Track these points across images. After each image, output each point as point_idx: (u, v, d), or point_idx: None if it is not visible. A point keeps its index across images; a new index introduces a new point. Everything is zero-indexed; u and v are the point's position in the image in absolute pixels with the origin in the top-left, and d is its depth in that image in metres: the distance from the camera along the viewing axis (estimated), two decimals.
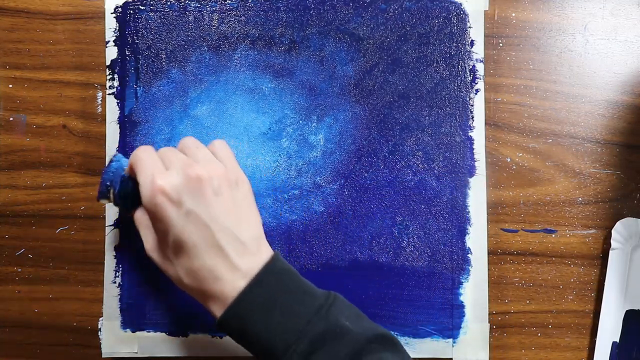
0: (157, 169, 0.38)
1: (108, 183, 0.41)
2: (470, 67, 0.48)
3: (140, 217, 0.40)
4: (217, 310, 0.37)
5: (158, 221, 0.37)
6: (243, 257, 0.37)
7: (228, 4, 0.48)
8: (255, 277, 0.36)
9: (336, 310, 0.36)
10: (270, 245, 0.47)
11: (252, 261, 0.37)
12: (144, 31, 0.48)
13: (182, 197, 0.36)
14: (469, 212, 0.47)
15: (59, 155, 0.48)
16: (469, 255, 0.47)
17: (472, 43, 0.48)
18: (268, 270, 0.36)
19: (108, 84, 0.48)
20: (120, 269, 0.47)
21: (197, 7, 0.48)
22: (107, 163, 0.43)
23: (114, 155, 0.42)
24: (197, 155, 0.39)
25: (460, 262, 0.47)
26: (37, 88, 0.48)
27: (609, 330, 0.47)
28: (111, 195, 0.41)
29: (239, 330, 0.36)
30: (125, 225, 0.47)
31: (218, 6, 0.48)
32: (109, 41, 0.48)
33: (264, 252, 0.38)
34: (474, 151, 0.47)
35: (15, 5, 0.48)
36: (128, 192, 0.40)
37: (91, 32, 0.48)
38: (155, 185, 0.36)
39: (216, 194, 0.37)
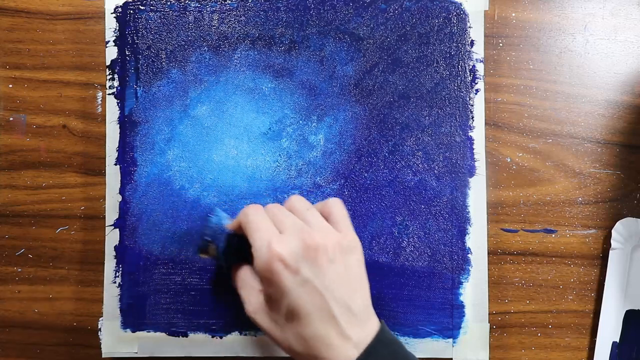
0: (273, 234, 0.37)
1: (209, 238, 0.41)
2: (470, 67, 0.48)
3: (245, 278, 0.40)
4: None
5: (272, 287, 0.37)
6: (354, 327, 0.37)
7: (228, 4, 0.48)
8: (368, 348, 0.36)
9: None
10: None
11: (361, 331, 0.37)
12: (144, 31, 0.48)
13: (299, 265, 0.36)
14: (469, 212, 0.47)
15: (59, 155, 0.48)
16: (469, 255, 0.47)
17: (472, 43, 0.48)
18: (379, 341, 0.36)
19: (108, 84, 0.48)
20: (120, 269, 0.47)
21: (197, 7, 0.48)
22: (205, 217, 0.43)
23: (212, 210, 0.42)
24: (309, 219, 0.39)
25: (460, 262, 0.47)
26: (37, 88, 0.48)
27: (609, 330, 0.47)
28: (213, 251, 0.41)
29: None
30: (126, 225, 0.47)
31: (218, 6, 0.48)
32: (109, 41, 0.48)
33: (372, 321, 0.38)
34: (474, 151, 0.47)
35: (15, 5, 0.48)
36: (233, 250, 0.40)
37: (91, 32, 0.48)
38: (272, 251, 0.36)
39: (331, 262, 0.37)
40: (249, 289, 0.39)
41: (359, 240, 0.40)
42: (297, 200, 0.40)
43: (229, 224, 0.42)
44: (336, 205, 0.40)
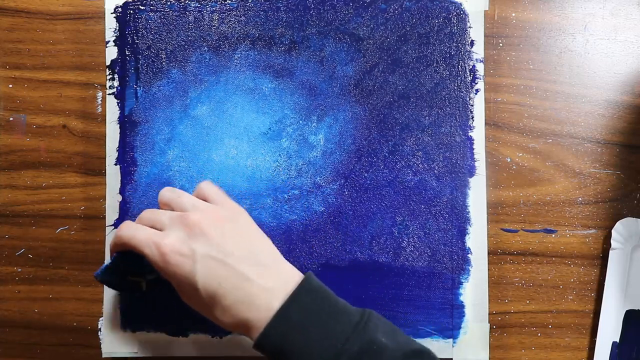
0: (154, 234, 0.38)
1: (107, 278, 0.41)
2: (470, 67, 0.48)
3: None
4: (257, 334, 0.36)
5: (180, 279, 0.37)
6: (270, 278, 0.37)
7: (228, 4, 0.48)
8: (290, 296, 0.36)
9: (372, 326, 0.36)
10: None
11: (279, 280, 0.37)
12: (144, 31, 0.48)
13: (191, 246, 0.37)
14: (469, 212, 0.47)
15: (59, 155, 0.48)
16: (469, 255, 0.47)
17: (472, 43, 0.48)
18: (302, 289, 0.36)
19: (108, 84, 0.48)
20: None
21: (197, 7, 0.48)
22: (102, 282, 0.42)
23: (96, 276, 0.41)
24: (182, 203, 0.39)
25: (460, 262, 0.47)
26: (37, 88, 0.48)
27: (609, 330, 0.47)
28: (141, 281, 0.42)
29: (277, 350, 0.35)
30: None
31: (218, 6, 0.48)
32: (109, 41, 0.48)
33: (288, 271, 0.38)
34: (474, 151, 0.47)
35: (15, 5, 0.48)
36: (124, 268, 0.41)
37: (91, 32, 0.48)
38: (162, 248, 0.37)
39: (222, 233, 0.37)
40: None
41: (241, 207, 0.40)
42: (166, 193, 0.41)
43: (112, 258, 0.41)
44: (207, 186, 0.41)
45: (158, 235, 0.38)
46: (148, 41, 0.48)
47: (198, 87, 0.48)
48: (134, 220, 0.40)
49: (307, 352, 0.35)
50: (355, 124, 0.48)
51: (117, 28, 0.48)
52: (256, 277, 0.37)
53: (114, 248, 0.40)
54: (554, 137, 0.48)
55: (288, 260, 0.47)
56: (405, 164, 0.48)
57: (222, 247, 0.37)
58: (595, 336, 0.47)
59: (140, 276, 0.42)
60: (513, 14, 0.48)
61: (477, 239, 0.47)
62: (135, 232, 0.38)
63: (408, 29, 0.48)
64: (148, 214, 0.40)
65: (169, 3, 0.48)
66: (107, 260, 0.47)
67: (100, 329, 0.48)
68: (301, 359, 0.35)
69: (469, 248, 0.47)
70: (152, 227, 0.39)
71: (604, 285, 0.47)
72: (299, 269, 0.46)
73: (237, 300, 0.36)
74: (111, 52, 0.48)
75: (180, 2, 0.48)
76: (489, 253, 0.47)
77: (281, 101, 0.48)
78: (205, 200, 0.40)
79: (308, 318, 0.35)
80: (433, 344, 0.47)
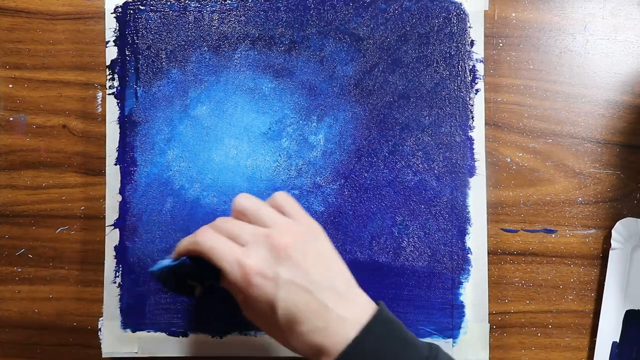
0: (236, 251, 0.36)
1: (184, 284, 0.39)
2: (470, 67, 0.48)
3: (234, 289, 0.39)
4: None
5: (259, 301, 0.36)
6: (346, 307, 0.36)
7: (228, 4, 0.48)
8: (365, 327, 0.36)
9: (441, 356, 0.36)
10: None
11: (354, 309, 0.37)
12: (144, 31, 0.48)
13: (276, 269, 0.36)
14: (469, 212, 0.47)
15: (59, 155, 0.48)
16: (469, 255, 0.47)
17: (472, 43, 0.48)
18: (377, 320, 0.36)
19: (108, 84, 0.48)
20: (120, 269, 0.47)
21: (197, 7, 0.48)
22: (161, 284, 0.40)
23: (153, 273, 0.40)
24: (261, 217, 0.38)
25: (460, 262, 0.47)
26: (37, 88, 0.48)
27: (609, 330, 0.47)
28: (198, 289, 0.39)
29: None
30: (126, 225, 0.47)
31: (218, 6, 0.48)
32: (109, 41, 0.48)
33: (362, 298, 0.38)
34: (474, 151, 0.47)
35: (15, 5, 0.48)
36: (209, 269, 0.38)
37: (91, 32, 0.48)
38: (245, 268, 0.36)
39: (303, 255, 0.36)
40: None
41: (317, 223, 0.39)
42: (243, 201, 0.39)
43: (173, 260, 0.39)
44: (284, 197, 0.40)
45: (239, 252, 0.36)
46: (148, 41, 0.48)
47: (198, 87, 0.48)
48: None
49: None
50: (355, 124, 0.48)
51: (117, 28, 0.48)
52: (334, 305, 0.36)
53: (184, 251, 0.38)
54: (554, 137, 0.48)
55: None
56: (405, 164, 0.48)
57: (306, 274, 0.36)
58: (595, 336, 0.47)
59: (198, 281, 0.40)
60: (513, 14, 0.48)
61: (477, 239, 0.47)
62: (216, 244, 0.37)
63: (408, 29, 0.48)
64: (227, 224, 0.38)
65: (169, 3, 0.48)
66: (107, 260, 0.47)
67: (100, 329, 0.48)
68: None
69: (469, 248, 0.47)
70: (230, 239, 0.37)
71: (604, 285, 0.47)
72: None
73: (315, 328, 0.36)
74: (111, 52, 0.48)
75: (180, 2, 0.48)
76: (489, 253, 0.47)
77: (281, 101, 0.48)
78: (280, 212, 0.39)
79: (381, 349, 0.35)
80: None
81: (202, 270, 0.38)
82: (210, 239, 0.37)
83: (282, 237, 0.36)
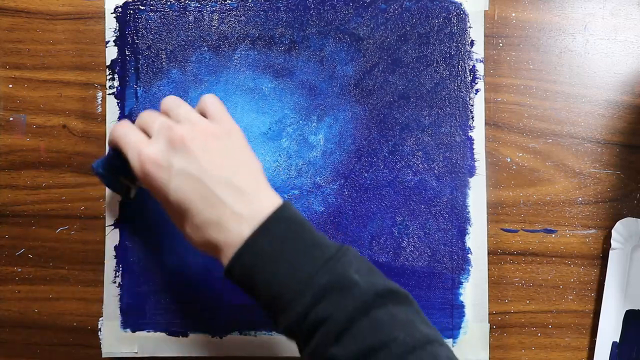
0: (140, 141, 0.38)
1: (111, 179, 0.42)
2: (470, 67, 0.48)
3: None
4: (225, 260, 0.36)
5: (156, 191, 0.37)
6: (244, 204, 0.36)
7: (228, 4, 0.48)
8: (262, 225, 0.35)
9: (346, 262, 0.34)
10: None
11: (255, 208, 0.36)
12: (144, 31, 0.48)
13: (169, 159, 0.36)
14: (469, 212, 0.47)
15: (59, 155, 0.48)
16: (469, 255, 0.47)
17: (472, 43, 0.48)
18: (275, 218, 0.35)
19: (108, 84, 0.48)
20: (120, 269, 0.47)
21: (197, 7, 0.48)
22: (97, 175, 0.42)
23: (92, 168, 0.42)
24: (178, 114, 0.39)
25: (460, 262, 0.47)
26: (37, 88, 0.48)
27: (609, 330, 0.47)
28: (131, 183, 0.42)
29: (245, 279, 0.35)
30: (126, 225, 0.47)
31: (218, 6, 0.48)
32: (109, 41, 0.48)
33: (268, 199, 0.37)
34: (474, 151, 0.47)
35: (15, 5, 0.48)
36: (118, 166, 0.41)
37: (91, 32, 0.48)
38: (142, 156, 0.37)
39: (204, 149, 0.37)
40: None
41: (239, 127, 0.39)
42: (168, 100, 0.40)
43: (107, 153, 0.42)
44: (209, 99, 0.40)
45: (143, 142, 0.37)
46: (148, 41, 0.48)
47: (198, 87, 0.48)
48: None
49: (274, 283, 0.34)
50: (355, 124, 0.48)
51: (117, 28, 0.48)
52: (231, 201, 0.35)
53: (109, 144, 0.40)
54: (554, 137, 0.48)
55: None
56: (405, 164, 0.48)
57: (201, 164, 0.36)
58: (595, 336, 0.47)
59: (132, 182, 0.42)
60: (513, 14, 0.48)
61: (477, 239, 0.47)
62: (126, 134, 0.38)
63: (408, 29, 0.48)
64: (145, 116, 0.39)
65: (169, 3, 0.48)
66: (107, 260, 0.47)
67: (100, 329, 0.48)
68: (268, 290, 0.34)
69: (469, 248, 0.47)
70: (144, 130, 0.39)
71: (604, 285, 0.47)
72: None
73: (208, 221, 0.36)
74: (111, 52, 0.48)
75: (180, 2, 0.48)
76: (489, 253, 0.47)
77: (281, 101, 0.48)
78: (204, 115, 0.39)
79: (278, 248, 0.34)
80: None
81: (124, 160, 0.39)
82: (122, 129, 0.39)
83: (182, 130, 0.37)
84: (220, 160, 0.37)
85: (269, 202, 0.36)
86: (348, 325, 0.32)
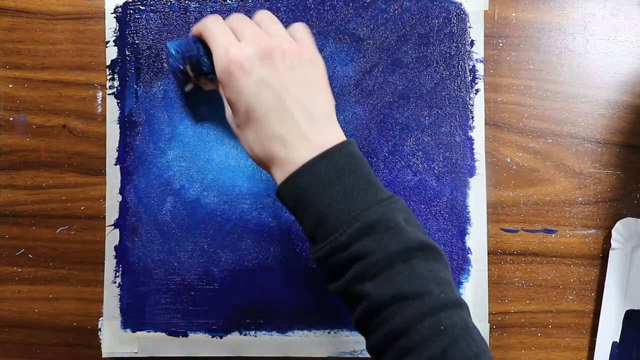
0: (230, 40, 0.38)
1: (180, 64, 0.42)
2: (470, 67, 0.48)
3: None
4: (279, 176, 0.37)
5: (231, 90, 0.37)
6: (313, 129, 0.36)
7: (228, 4, 0.48)
8: (325, 152, 0.35)
9: (396, 209, 0.35)
10: (270, 244, 0.47)
11: (321, 137, 0.36)
12: (144, 31, 0.48)
13: (254, 66, 0.37)
14: (469, 212, 0.47)
15: (59, 155, 0.48)
16: (469, 255, 0.47)
17: (472, 43, 0.48)
18: (339, 149, 0.36)
19: (108, 84, 0.48)
20: (120, 269, 0.47)
21: (198, 7, 0.48)
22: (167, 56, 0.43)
23: (167, 46, 0.43)
24: (270, 28, 0.39)
25: (460, 262, 0.47)
26: (37, 88, 0.48)
27: (609, 330, 0.47)
28: (192, 70, 0.42)
29: (296, 199, 0.35)
30: (126, 225, 0.47)
31: (218, 6, 0.48)
32: (109, 41, 0.48)
33: (335, 134, 0.38)
34: (474, 151, 0.47)
35: (15, 5, 0.48)
36: (193, 54, 0.41)
37: (91, 32, 0.48)
38: (229, 56, 0.37)
39: (289, 67, 0.37)
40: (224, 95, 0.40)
41: (322, 60, 0.40)
42: (263, 13, 0.40)
43: (189, 37, 0.42)
44: (300, 26, 0.40)
45: (233, 42, 0.38)
46: (148, 41, 0.48)
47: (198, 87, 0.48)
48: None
49: (324, 209, 0.34)
50: (355, 124, 0.48)
51: (117, 28, 0.48)
52: (302, 123, 0.36)
53: (195, 32, 0.41)
54: (554, 137, 0.48)
55: (287, 260, 0.47)
56: (405, 164, 0.48)
57: (283, 81, 0.37)
58: (595, 336, 0.47)
59: (196, 76, 0.42)
60: (513, 14, 0.48)
61: (477, 239, 0.47)
62: (216, 28, 0.39)
63: (408, 29, 0.48)
64: (237, 19, 0.40)
65: (169, 3, 0.48)
66: (107, 260, 0.47)
67: (100, 329, 0.48)
68: (316, 214, 0.35)
69: (469, 248, 0.47)
70: (234, 32, 0.39)
71: (604, 285, 0.47)
72: (300, 267, 0.47)
73: (274, 135, 0.36)
74: (111, 52, 0.48)
75: (181, 2, 0.48)
76: (489, 253, 0.47)
77: None
78: (292, 36, 0.40)
79: (335, 177, 0.35)
80: None
81: (202, 53, 0.41)
82: (214, 24, 0.39)
83: (273, 43, 0.37)
84: (300, 84, 0.37)
85: (336, 135, 0.37)
86: (387, 267, 0.33)
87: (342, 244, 0.34)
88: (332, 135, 0.37)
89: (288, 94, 0.37)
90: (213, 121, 0.48)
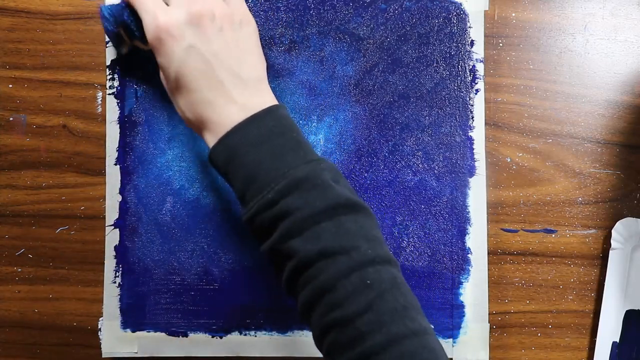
0: (158, 5, 0.38)
1: (114, 27, 0.41)
2: (470, 67, 0.48)
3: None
4: (211, 140, 0.37)
5: (161, 57, 0.38)
6: (242, 93, 0.37)
7: None
8: (255, 114, 0.36)
9: (325, 168, 0.35)
10: None
11: (251, 100, 0.37)
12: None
13: (184, 32, 0.37)
14: (469, 212, 0.47)
15: (59, 155, 0.48)
16: (469, 255, 0.47)
17: (472, 43, 0.48)
18: (270, 112, 0.36)
19: (108, 84, 0.48)
20: (120, 269, 0.47)
21: None
22: (100, 18, 0.43)
23: (100, 9, 0.42)
24: None
25: (460, 262, 0.47)
26: (37, 88, 0.48)
27: (609, 330, 0.47)
28: (126, 36, 0.42)
29: (227, 160, 0.36)
30: (126, 225, 0.47)
31: None
32: (109, 41, 0.48)
33: (265, 97, 0.38)
34: (474, 151, 0.47)
35: (15, 5, 0.48)
36: (124, 19, 0.41)
37: (91, 32, 0.48)
38: (158, 22, 0.37)
39: (219, 31, 0.37)
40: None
41: (252, 17, 0.40)
42: None
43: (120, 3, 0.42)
44: None
45: (161, 7, 0.38)
46: None
47: None
48: None
49: (252, 167, 0.35)
50: (355, 124, 0.48)
51: None
52: (231, 87, 0.37)
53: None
54: (554, 137, 0.48)
55: None
56: (405, 164, 0.48)
57: (212, 46, 0.37)
58: (595, 336, 0.47)
59: (130, 39, 0.42)
60: (513, 14, 0.48)
61: (477, 239, 0.47)
62: None
63: (408, 29, 0.48)
64: None
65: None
66: (107, 260, 0.47)
67: (100, 329, 0.48)
68: (245, 173, 0.35)
69: (469, 248, 0.47)
70: None
71: (604, 285, 0.47)
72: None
73: (204, 100, 0.37)
74: (111, 52, 0.48)
75: None
76: (489, 253, 0.47)
77: (281, 101, 0.48)
78: None
79: (265, 138, 0.35)
80: None
81: (132, 19, 0.40)
82: None
83: (203, 7, 0.37)
84: (230, 47, 0.38)
85: (266, 99, 0.38)
86: (313, 223, 0.33)
87: (270, 202, 0.34)
88: (263, 97, 0.38)
89: (217, 59, 0.37)
90: None
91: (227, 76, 0.37)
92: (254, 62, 0.39)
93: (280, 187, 0.34)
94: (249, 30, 0.39)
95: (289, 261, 0.34)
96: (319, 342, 0.34)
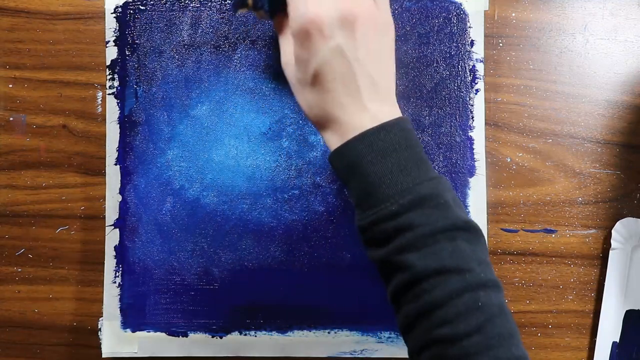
0: None
1: None
2: (470, 67, 0.48)
3: (286, 29, 0.39)
4: (334, 141, 0.37)
5: (302, 49, 0.36)
6: (375, 101, 0.37)
7: (228, 3, 0.48)
8: (385, 123, 0.36)
9: (445, 188, 0.36)
10: (270, 244, 0.47)
11: (382, 109, 0.37)
12: (144, 31, 0.48)
13: (334, 32, 0.36)
14: (469, 212, 0.47)
15: (59, 155, 0.48)
16: None
17: (472, 43, 0.48)
18: (398, 124, 0.36)
19: (108, 84, 0.48)
20: (120, 269, 0.47)
21: (197, 7, 0.48)
22: None
23: None
24: None
25: None
26: (37, 88, 0.48)
27: (609, 330, 0.47)
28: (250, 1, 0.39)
29: (350, 164, 0.36)
30: (126, 225, 0.47)
31: (218, 6, 0.48)
32: (109, 41, 0.48)
33: (392, 107, 0.38)
34: (474, 151, 0.47)
35: (15, 5, 0.48)
36: None
37: (91, 32, 0.48)
38: (308, 12, 0.35)
39: (364, 38, 0.37)
40: (287, 40, 0.39)
41: (392, 22, 0.39)
42: None
43: None
44: None
45: None
46: (148, 41, 0.48)
47: (198, 87, 0.48)
48: None
49: (378, 177, 0.35)
50: None
51: (117, 28, 0.48)
52: (366, 94, 0.36)
53: None
54: (554, 137, 0.48)
55: (287, 260, 0.47)
56: None
57: (358, 52, 0.36)
58: (595, 336, 0.47)
59: (255, 3, 0.39)
60: (513, 14, 0.48)
61: None
62: None
63: (408, 29, 0.48)
64: None
65: (169, 3, 0.48)
66: (107, 260, 0.47)
67: (100, 329, 0.48)
68: (370, 181, 0.35)
69: None
70: None
71: (604, 285, 0.47)
72: (298, 269, 0.47)
73: (337, 101, 0.36)
74: (111, 52, 0.48)
75: (180, 2, 0.48)
76: (489, 253, 0.47)
77: (281, 101, 0.48)
78: None
79: (392, 148, 0.35)
80: None
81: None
82: None
83: (358, 10, 0.36)
84: (372, 55, 0.37)
85: (394, 110, 0.38)
86: (433, 241, 0.33)
87: (392, 214, 0.34)
88: (391, 107, 0.38)
89: (359, 65, 0.36)
90: (213, 121, 0.48)
91: (365, 83, 0.36)
92: (389, 71, 0.38)
93: (405, 201, 0.34)
94: (389, 38, 0.39)
95: (400, 273, 0.34)
96: (416, 355, 0.34)
